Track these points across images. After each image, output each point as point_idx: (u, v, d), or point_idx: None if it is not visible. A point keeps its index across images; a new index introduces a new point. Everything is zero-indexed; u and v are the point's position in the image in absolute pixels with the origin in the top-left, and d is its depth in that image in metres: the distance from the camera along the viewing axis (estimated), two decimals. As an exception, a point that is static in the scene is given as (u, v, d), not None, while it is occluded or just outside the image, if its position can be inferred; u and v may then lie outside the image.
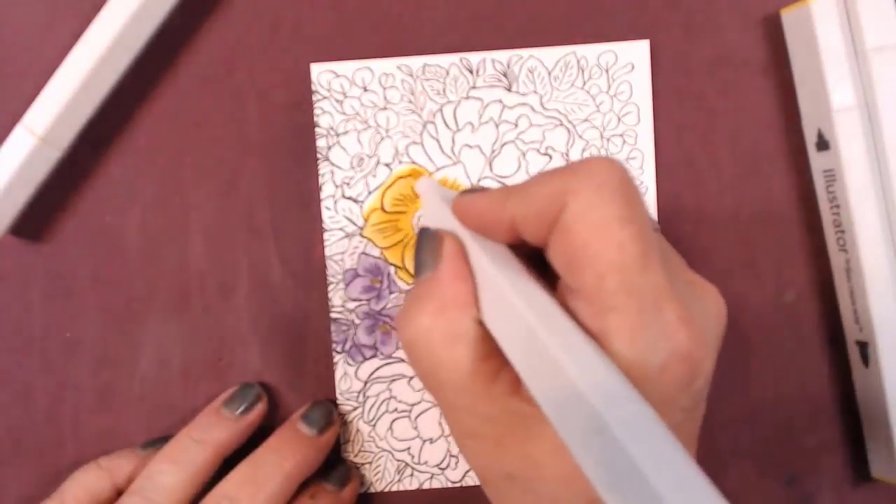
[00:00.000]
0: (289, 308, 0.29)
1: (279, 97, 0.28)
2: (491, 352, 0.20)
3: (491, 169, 0.28)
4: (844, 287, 0.28)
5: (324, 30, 0.28)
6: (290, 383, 0.29)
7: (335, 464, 0.28)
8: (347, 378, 0.29)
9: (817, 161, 0.28)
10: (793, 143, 0.29)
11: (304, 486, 0.27)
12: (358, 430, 0.29)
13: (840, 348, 0.29)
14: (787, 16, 0.28)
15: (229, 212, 0.28)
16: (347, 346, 0.29)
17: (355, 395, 0.29)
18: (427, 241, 0.22)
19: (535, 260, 0.21)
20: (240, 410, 0.27)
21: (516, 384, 0.20)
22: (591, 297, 0.18)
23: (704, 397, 0.20)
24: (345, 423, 0.29)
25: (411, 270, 0.29)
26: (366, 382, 0.29)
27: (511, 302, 0.19)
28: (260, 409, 0.28)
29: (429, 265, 0.21)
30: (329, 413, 0.28)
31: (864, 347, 0.28)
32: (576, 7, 0.28)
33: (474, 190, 0.22)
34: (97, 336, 0.28)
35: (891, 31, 0.26)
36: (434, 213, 0.24)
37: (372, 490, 0.29)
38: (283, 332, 0.29)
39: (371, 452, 0.29)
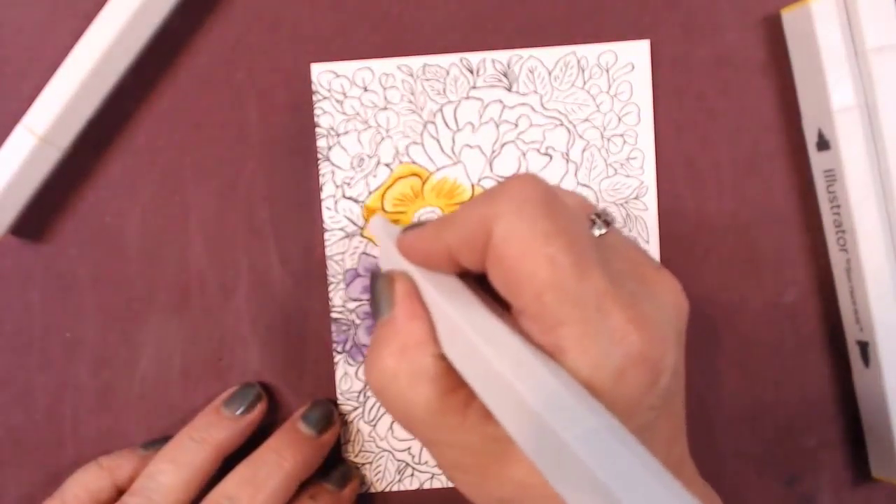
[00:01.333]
0: (289, 308, 0.29)
1: (279, 97, 0.28)
2: (457, 384, 0.20)
3: (491, 169, 0.28)
4: (844, 287, 0.28)
5: (324, 30, 0.28)
6: (290, 383, 0.29)
7: (335, 463, 0.28)
8: (348, 378, 0.29)
9: (817, 161, 0.28)
10: (793, 143, 0.29)
11: (304, 486, 0.27)
12: (358, 431, 0.29)
13: (840, 348, 0.29)
14: (787, 16, 0.28)
15: (229, 212, 0.28)
16: (348, 346, 0.29)
17: (356, 395, 0.29)
18: (380, 285, 0.23)
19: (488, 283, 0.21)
20: (240, 410, 0.27)
21: (487, 411, 0.20)
22: (535, 316, 0.18)
23: (678, 391, 0.20)
24: (345, 423, 0.29)
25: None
26: (366, 383, 0.29)
27: (464, 331, 0.19)
28: (260, 408, 0.28)
29: (385, 308, 0.22)
30: (329, 413, 0.28)
31: (864, 347, 0.28)
32: (576, 7, 0.28)
33: (415, 226, 0.22)
34: (97, 336, 0.28)
35: (891, 31, 0.26)
36: (386, 254, 0.25)
37: (372, 490, 0.29)
38: (283, 332, 0.29)
39: (371, 452, 0.29)
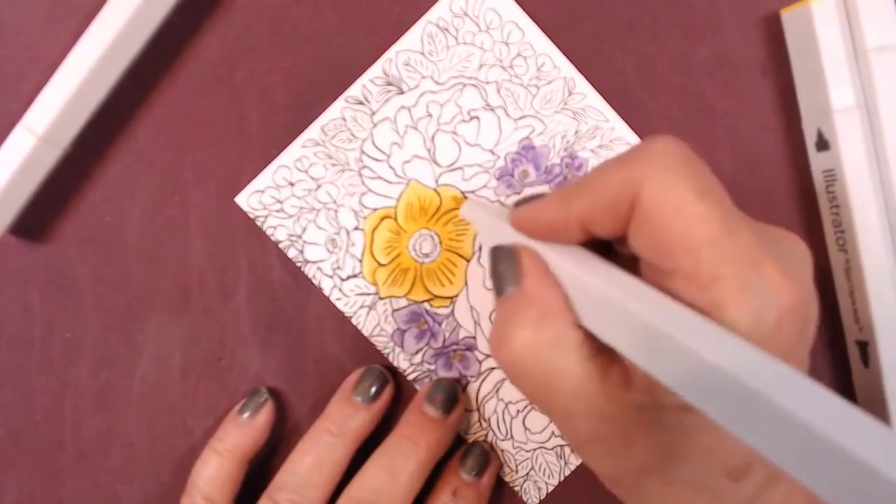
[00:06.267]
0: (289, 308, 0.29)
1: (279, 97, 0.28)
2: (595, 352, 0.20)
3: (438, 165, 0.28)
4: (844, 287, 0.28)
5: (324, 30, 0.28)
6: (290, 383, 0.29)
7: (470, 448, 0.29)
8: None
9: (817, 161, 0.28)
10: (793, 143, 0.29)
11: (438, 469, 0.28)
12: (503, 451, 0.29)
13: (840, 348, 0.29)
14: (787, 16, 0.28)
15: (229, 212, 0.28)
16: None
17: (477, 422, 0.29)
18: (503, 258, 0.22)
19: (597, 250, 0.21)
20: (371, 394, 0.28)
21: (626, 378, 0.20)
22: (689, 275, 0.18)
23: (811, 343, 0.20)
24: (491, 449, 0.29)
25: (437, 293, 0.29)
26: (478, 408, 0.29)
27: (612, 298, 0.18)
28: (388, 392, 0.28)
29: (511, 281, 0.21)
30: (454, 392, 0.28)
31: (864, 347, 0.28)
32: (576, 7, 0.28)
33: (526, 200, 0.22)
34: (97, 336, 0.28)
35: (891, 31, 0.26)
36: (491, 232, 0.24)
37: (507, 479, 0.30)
38: (283, 332, 0.29)
39: (526, 455, 0.29)
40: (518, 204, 0.22)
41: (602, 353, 0.20)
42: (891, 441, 0.13)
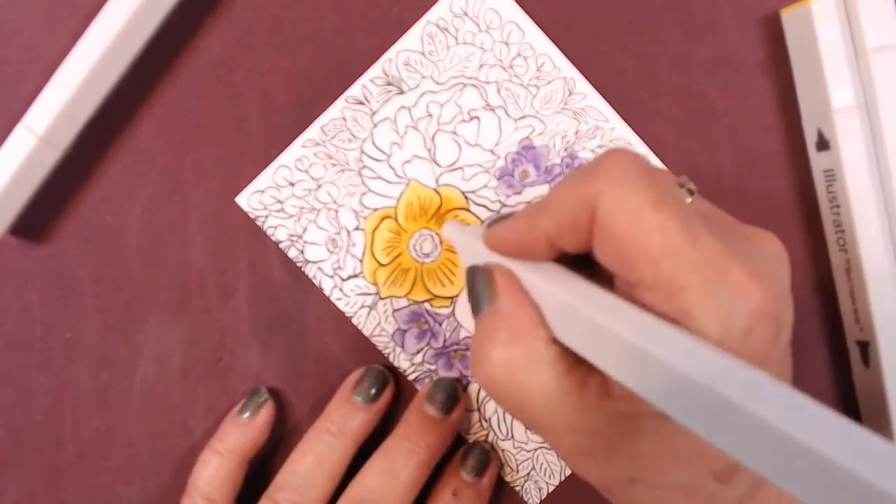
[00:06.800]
0: (289, 308, 0.29)
1: (279, 97, 0.28)
2: (572, 366, 0.20)
3: (438, 165, 0.28)
4: (844, 287, 0.28)
5: (324, 30, 0.28)
6: (290, 383, 0.29)
7: (470, 448, 0.29)
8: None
9: (817, 161, 0.28)
10: (793, 143, 0.29)
11: (439, 469, 0.28)
12: (504, 450, 0.29)
13: (840, 348, 0.29)
14: (787, 16, 0.28)
15: (229, 212, 0.28)
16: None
17: (478, 422, 0.29)
18: (478, 278, 0.22)
19: (578, 264, 0.21)
20: (371, 394, 0.28)
21: (604, 389, 0.20)
22: (654, 285, 0.18)
23: (790, 345, 0.20)
24: (492, 449, 0.29)
25: (438, 293, 0.29)
26: (479, 407, 0.29)
27: (581, 310, 0.18)
28: (388, 392, 0.28)
29: (486, 300, 0.21)
30: (454, 391, 0.28)
31: (864, 347, 0.28)
32: (576, 7, 0.28)
33: (498, 220, 0.22)
34: (97, 336, 0.28)
35: (891, 31, 0.26)
36: (469, 253, 0.24)
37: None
38: (283, 332, 0.29)
39: (527, 455, 0.29)
40: (491, 223, 0.22)
41: (579, 365, 0.20)
42: (867, 442, 0.13)
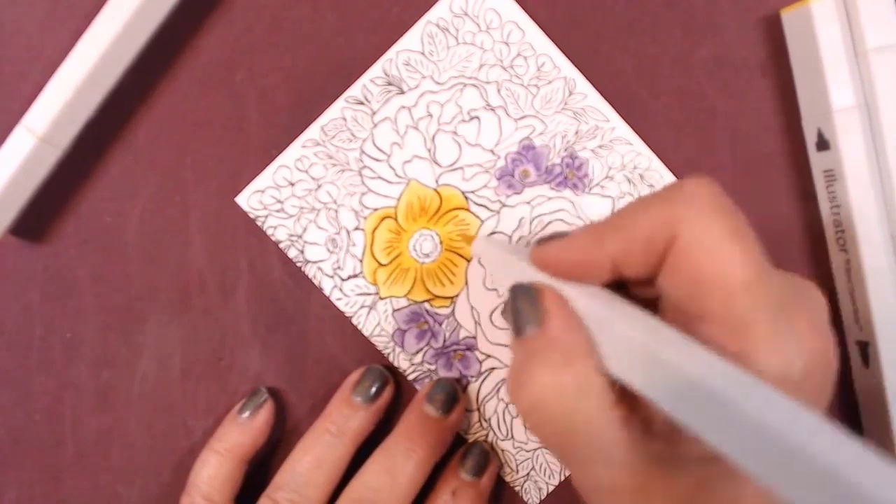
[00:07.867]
0: (289, 308, 0.29)
1: (279, 97, 0.28)
2: (618, 398, 0.20)
3: (439, 165, 0.28)
4: (844, 287, 0.28)
5: (324, 30, 0.28)
6: (290, 383, 0.29)
7: (470, 448, 0.29)
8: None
9: (817, 161, 0.28)
10: (793, 143, 0.29)
11: (438, 469, 0.28)
12: (504, 450, 0.29)
13: (840, 348, 0.29)
14: (787, 16, 0.28)
15: (229, 212, 0.28)
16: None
17: (477, 422, 0.29)
18: (524, 297, 0.21)
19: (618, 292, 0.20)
20: (371, 394, 0.28)
21: (646, 428, 0.19)
22: (720, 319, 0.18)
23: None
24: (491, 449, 0.29)
25: (437, 293, 0.29)
26: (478, 407, 0.29)
27: (644, 343, 0.18)
28: (388, 392, 0.28)
29: (532, 320, 0.20)
30: (453, 392, 0.28)
31: (864, 347, 0.28)
32: (576, 7, 0.28)
33: (551, 238, 0.21)
34: (97, 336, 0.28)
35: (891, 31, 0.26)
36: (506, 269, 0.23)
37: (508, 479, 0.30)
38: (283, 332, 0.29)
39: (527, 455, 0.29)
40: (541, 241, 0.21)
41: (624, 398, 0.19)
42: None
